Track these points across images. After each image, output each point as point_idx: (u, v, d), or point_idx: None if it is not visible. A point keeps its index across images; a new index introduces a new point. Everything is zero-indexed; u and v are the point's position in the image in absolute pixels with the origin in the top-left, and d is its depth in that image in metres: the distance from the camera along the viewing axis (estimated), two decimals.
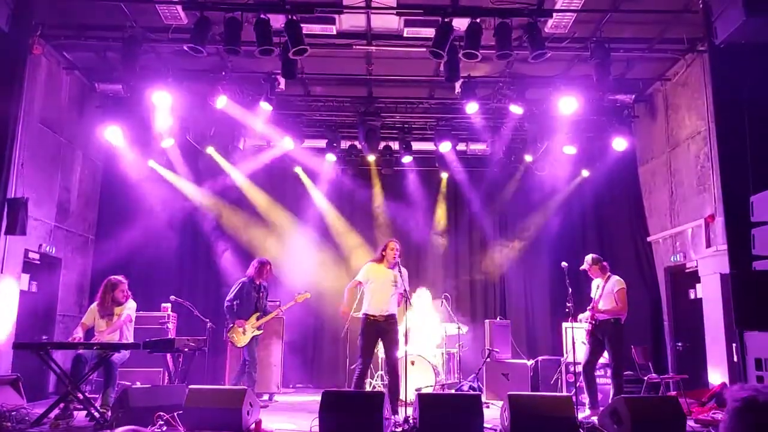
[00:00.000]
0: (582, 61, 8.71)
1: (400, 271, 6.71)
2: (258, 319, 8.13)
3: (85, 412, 6.21)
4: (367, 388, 7.68)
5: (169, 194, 10.72)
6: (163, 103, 8.80)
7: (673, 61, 9.08)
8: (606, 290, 7.27)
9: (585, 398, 7.35)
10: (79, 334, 6.86)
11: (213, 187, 10.91)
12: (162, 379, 8.57)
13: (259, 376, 8.17)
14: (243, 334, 7.98)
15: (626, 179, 10.71)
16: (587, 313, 7.37)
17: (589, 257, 7.58)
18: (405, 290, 6.55)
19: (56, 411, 6.16)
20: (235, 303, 8.08)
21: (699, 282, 8.55)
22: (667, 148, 9.70)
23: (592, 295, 7.50)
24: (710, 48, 6.63)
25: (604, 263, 7.50)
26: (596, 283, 7.51)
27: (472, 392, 8.06)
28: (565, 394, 8.22)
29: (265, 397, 8.72)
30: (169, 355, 8.04)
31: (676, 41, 8.32)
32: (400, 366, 6.72)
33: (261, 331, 8.22)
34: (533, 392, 8.58)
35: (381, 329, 6.69)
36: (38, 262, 8.53)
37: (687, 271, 9.13)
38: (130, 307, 7.16)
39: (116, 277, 7.21)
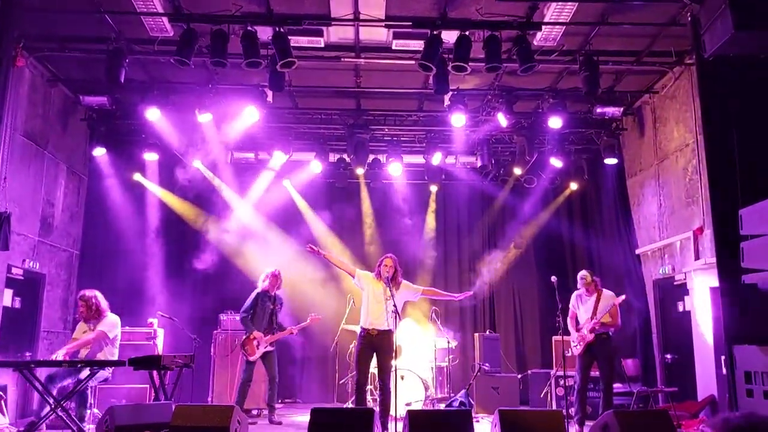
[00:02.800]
0: (571, 74, 8.73)
1: (393, 288, 6.62)
2: (272, 334, 8.05)
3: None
4: (368, 397, 7.62)
5: (155, 208, 10.63)
6: (149, 116, 8.74)
7: (661, 74, 9.13)
8: (601, 306, 7.19)
9: (573, 411, 7.29)
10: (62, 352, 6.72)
11: (199, 200, 10.84)
12: (148, 397, 8.42)
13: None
14: (257, 347, 7.88)
15: (615, 191, 10.73)
16: (585, 330, 7.24)
17: (587, 275, 7.41)
18: (395, 306, 6.47)
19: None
20: (250, 314, 7.99)
21: (688, 294, 8.55)
22: (655, 160, 9.74)
23: (572, 306, 7.44)
24: (698, 61, 6.62)
25: (596, 278, 7.45)
26: (586, 298, 7.42)
27: (462, 408, 7.98)
28: (555, 408, 8.20)
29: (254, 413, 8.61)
30: (155, 372, 7.90)
31: (664, 54, 8.37)
32: (391, 381, 6.65)
33: (273, 348, 8.11)
34: (523, 407, 8.55)
35: (375, 344, 6.63)
36: (22, 278, 8.37)
37: (676, 283, 9.13)
38: (106, 322, 6.89)
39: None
